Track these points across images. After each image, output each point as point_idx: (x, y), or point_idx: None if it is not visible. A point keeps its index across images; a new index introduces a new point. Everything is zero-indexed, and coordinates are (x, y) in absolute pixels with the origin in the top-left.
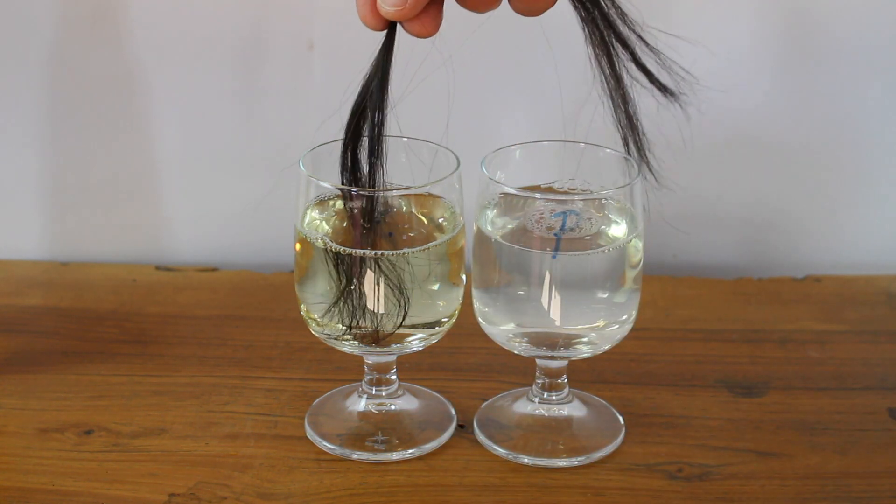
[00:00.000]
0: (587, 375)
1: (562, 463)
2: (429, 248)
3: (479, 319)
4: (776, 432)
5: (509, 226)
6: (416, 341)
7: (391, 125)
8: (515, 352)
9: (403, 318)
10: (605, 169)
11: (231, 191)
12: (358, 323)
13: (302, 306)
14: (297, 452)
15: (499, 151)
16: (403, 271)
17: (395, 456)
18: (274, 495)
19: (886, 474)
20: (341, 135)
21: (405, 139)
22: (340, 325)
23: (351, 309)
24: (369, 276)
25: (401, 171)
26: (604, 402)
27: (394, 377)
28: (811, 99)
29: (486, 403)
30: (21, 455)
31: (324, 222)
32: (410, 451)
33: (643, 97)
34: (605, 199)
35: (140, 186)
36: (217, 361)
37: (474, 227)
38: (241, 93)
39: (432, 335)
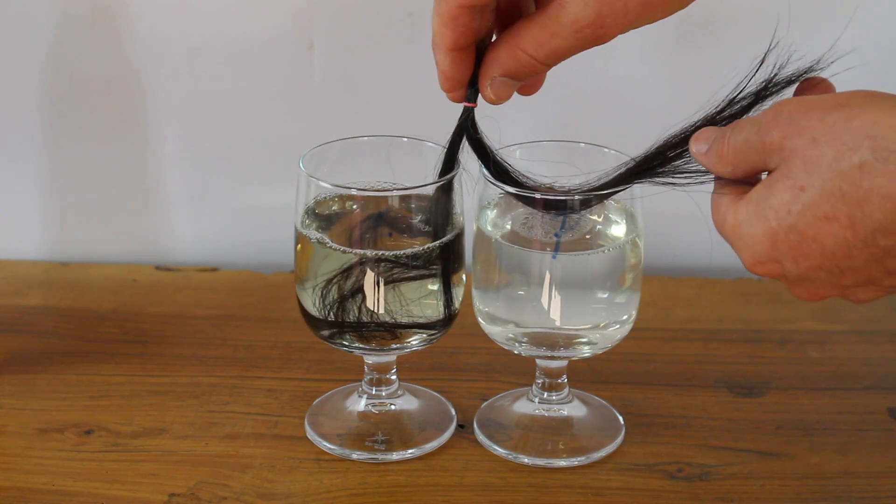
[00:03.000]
0: (587, 375)
1: (562, 463)
2: (429, 249)
3: (479, 319)
4: (776, 432)
5: (509, 226)
6: (416, 341)
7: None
8: (515, 352)
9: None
10: (605, 169)
11: (231, 191)
12: (358, 321)
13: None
14: (297, 452)
15: (498, 151)
16: (404, 271)
17: (395, 456)
18: (274, 495)
19: (886, 474)
20: (341, 135)
21: (405, 139)
22: (331, 315)
23: (351, 308)
24: (369, 276)
25: (401, 171)
26: (604, 402)
27: (394, 377)
28: None
29: (486, 403)
30: (21, 455)
31: (324, 222)
32: (410, 451)
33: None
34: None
35: (140, 186)
36: (217, 361)
37: (474, 227)
38: (241, 93)
39: (432, 335)
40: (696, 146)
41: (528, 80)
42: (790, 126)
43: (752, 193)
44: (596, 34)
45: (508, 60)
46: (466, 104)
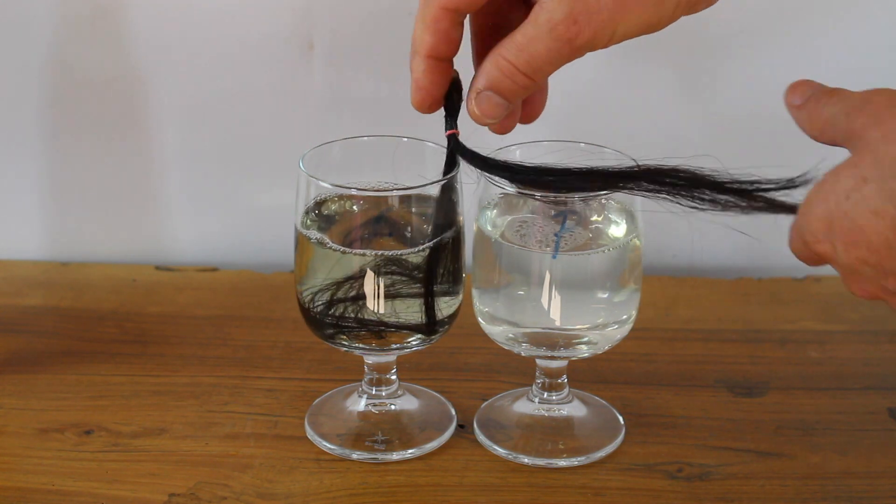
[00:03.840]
0: (587, 375)
1: (562, 463)
2: (428, 249)
3: (479, 319)
4: (776, 432)
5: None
6: (416, 341)
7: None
8: (515, 352)
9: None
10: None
11: (231, 191)
12: (356, 319)
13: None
14: (297, 452)
15: (498, 151)
16: (402, 271)
17: (395, 456)
18: (274, 495)
19: (886, 474)
20: (341, 135)
21: (405, 139)
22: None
23: (352, 308)
24: (370, 276)
25: (401, 171)
26: (604, 402)
27: (394, 377)
28: None
29: (486, 403)
30: (21, 455)
31: (324, 222)
32: (410, 451)
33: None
34: (606, 198)
35: (140, 186)
36: (217, 361)
37: (474, 227)
38: (242, 93)
39: (432, 335)
40: (791, 97)
41: (518, 103)
42: (873, 118)
43: (823, 177)
44: (569, 32)
45: (492, 69)
46: (448, 133)
